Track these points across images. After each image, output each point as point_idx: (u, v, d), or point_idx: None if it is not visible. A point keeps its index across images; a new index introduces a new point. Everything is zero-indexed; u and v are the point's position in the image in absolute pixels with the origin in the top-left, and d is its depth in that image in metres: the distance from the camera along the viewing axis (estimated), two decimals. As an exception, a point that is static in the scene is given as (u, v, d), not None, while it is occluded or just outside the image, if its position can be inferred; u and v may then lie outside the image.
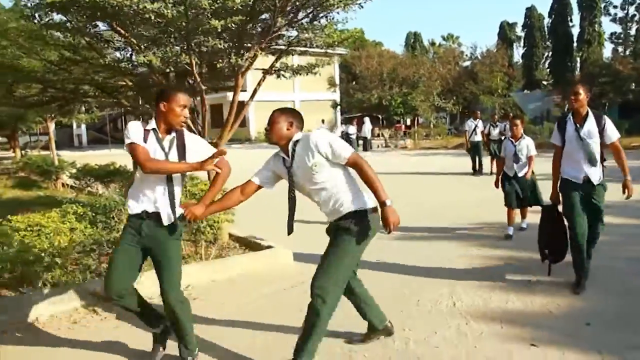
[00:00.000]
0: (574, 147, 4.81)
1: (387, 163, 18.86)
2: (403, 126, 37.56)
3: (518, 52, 55.50)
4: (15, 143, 21.14)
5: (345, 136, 23.59)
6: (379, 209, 3.28)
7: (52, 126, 15.95)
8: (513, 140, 7.09)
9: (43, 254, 4.61)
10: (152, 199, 3.30)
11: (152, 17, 4.29)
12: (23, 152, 21.44)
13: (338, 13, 5.89)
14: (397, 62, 34.79)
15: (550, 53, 48.40)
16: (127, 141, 3.21)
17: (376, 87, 33.23)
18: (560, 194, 4.99)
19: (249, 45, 5.32)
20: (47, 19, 5.16)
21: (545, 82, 49.47)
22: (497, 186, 7.21)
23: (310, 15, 5.49)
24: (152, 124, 3.33)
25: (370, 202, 3.39)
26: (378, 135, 33.62)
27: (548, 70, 50.13)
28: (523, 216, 7.39)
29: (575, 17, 45.50)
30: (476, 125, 14.44)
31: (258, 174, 3.51)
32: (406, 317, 4.39)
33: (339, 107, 39.17)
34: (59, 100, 6.82)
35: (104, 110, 16.67)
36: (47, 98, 6.73)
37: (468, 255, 6.31)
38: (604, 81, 32.38)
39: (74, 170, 12.76)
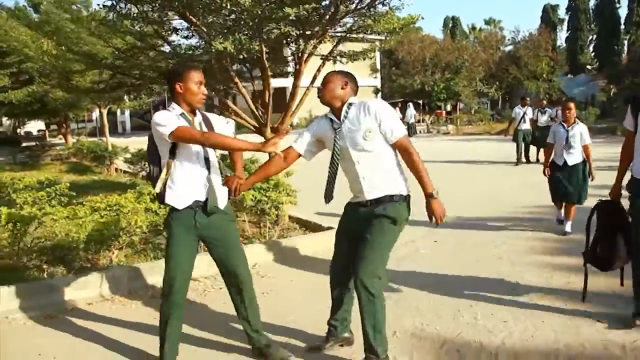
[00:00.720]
0: None
1: (431, 149, 18.83)
2: (444, 112, 37.22)
3: (561, 35, 54.11)
4: (67, 130, 21.86)
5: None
6: (425, 200, 3.10)
7: (104, 113, 16.46)
8: (565, 125, 6.39)
9: (121, 232, 4.89)
10: (200, 186, 3.12)
11: (228, 6, 4.46)
12: (75, 138, 22.20)
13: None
14: (439, 48, 34.37)
15: (596, 36, 47.02)
16: (167, 130, 2.97)
17: (418, 73, 33.00)
18: (629, 195, 3.78)
19: (313, 31, 5.44)
20: (125, 9, 5.41)
21: (589, 67, 48.14)
22: (545, 174, 6.58)
23: (369, 1, 5.58)
24: (177, 108, 3.13)
25: (407, 189, 3.21)
26: (419, 121, 33.46)
27: (593, 54, 48.75)
28: (567, 216, 6.42)
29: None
30: (525, 113, 13.53)
31: (299, 140, 3.31)
32: (470, 293, 4.51)
33: (379, 93, 39.06)
34: (127, 86, 7.13)
35: (151, 97, 17.04)
36: (116, 84, 7.03)
37: (523, 237, 6.36)
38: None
39: (128, 155, 13.20)
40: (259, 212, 6.12)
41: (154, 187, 3.21)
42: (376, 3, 5.62)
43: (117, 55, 6.49)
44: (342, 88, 3.16)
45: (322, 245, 6.07)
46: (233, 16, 4.77)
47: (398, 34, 6.62)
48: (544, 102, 14.56)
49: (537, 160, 13.48)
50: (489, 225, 7.06)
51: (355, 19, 5.77)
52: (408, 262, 5.48)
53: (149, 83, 6.72)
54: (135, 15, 5.45)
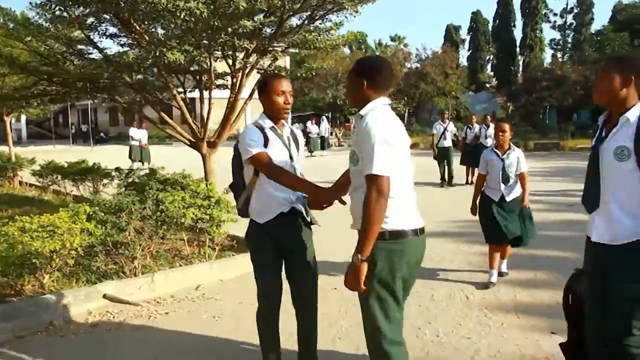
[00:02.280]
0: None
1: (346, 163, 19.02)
2: (352, 125, 37.97)
3: (463, 54, 57.30)
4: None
5: (305, 135, 23.64)
6: None
7: (8, 121, 15.19)
8: (499, 153, 5.23)
9: (55, 256, 4.47)
10: (287, 200, 3.05)
11: (182, 15, 4.22)
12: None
13: (338, 16, 5.96)
14: (351, 62, 35.08)
15: (494, 56, 50.25)
16: (247, 154, 2.93)
17: (331, 87, 33.48)
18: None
19: (263, 45, 5.29)
20: (57, 11, 4.96)
21: (488, 85, 51.30)
22: (473, 213, 5.44)
23: (318, 16, 5.53)
24: (267, 121, 3.06)
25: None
26: (331, 134, 33.92)
27: (492, 73, 52.03)
28: (502, 257, 5.46)
29: (518, 23, 47.46)
30: (445, 128, 12.30)
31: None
32: (426, 311, 4.54)
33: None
34: (52, 94, 6.55)
35: (56, 104, 15.96)
36: (40, 91, 6.45)
37: (462, 252, 6.53)
38: (545, 85, 33.96)
39: (36, 167, 12.23)
40: (198, 231, 5.84)
41: (236, 199, 3.25)
42: (323, 17, 5.58)
43: (42, 61, 5.96)
44: (360, 88, 2.59)
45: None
46: (184, 26, 4.52)
47: (338, 49, 6.60)
48: (474, 118, 13.47)
49: (467, 182, 12.42)
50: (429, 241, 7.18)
51: (302, 33, 5.70)
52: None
53: (76, 92, 6.24)
54: (70, 18, 5.02)
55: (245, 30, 4.51)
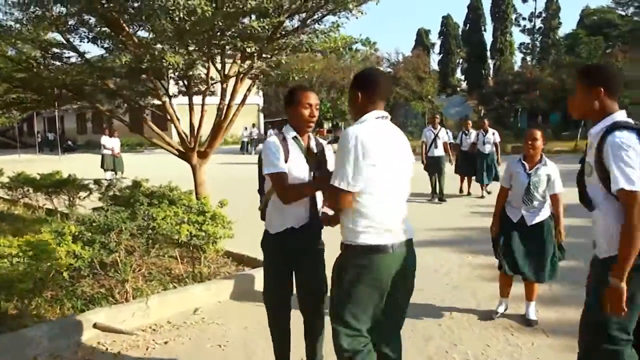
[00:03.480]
0: None
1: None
2: (325, 131, 37.71)
3: (433, 58, 57.63)
4: None
5: None
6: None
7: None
8: (526, 165, 4.31)
9: (40, 282, 4.00)
10: (298, 216, 3.05)
11: (181, 15, 3.80)
12: None
13: (339, 17, 5.62)
14: (325, 67, 34.83)
15: (464, 60, 50.68)
16: (267, 169, 2.93)
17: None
18: None
19: (262, 47, 4.90)
20: (36, 11, 4.47)
21: (458, 89, 51.70)
22: (493, 233, 4.50)
23: (319, 16, 5.17)
24: (292, 132, 3.05)
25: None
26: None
27: (463, 76, 52.47)
28: (529, 297, 4.47)
29: (489, 27, 47.96)
30: (436, 135, 10.63)
31: None
32: (448, 331, 4.22)
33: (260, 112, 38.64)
34: (27, 102, 6.00)
35: (25, 112, 15.17)
36: (12, 99, 5.90)
37: (468, 264, 6.25)
38: (517, 88, 34.32)
39: (4, 179, 11.51)
40: (191, 248, 5.41)
41: (260, 202, 3.26)
42: (322, 19, 5.22)
43: (14, 67, 5.44)
44: (353, 100, 2.63)
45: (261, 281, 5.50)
46: (182, 26, 4.10)
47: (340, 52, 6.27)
48: (469, 122, 12.11)
49: (462, 191, 11.66)
50: (423, 250, 6.89)
51: (299, 35, 5.33)
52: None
53: (53, 100, 5.73)
54: (50, 19, 4.53)
55: (251, 32, 4.11)
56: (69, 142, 40.14)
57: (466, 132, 11.58)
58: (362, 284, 2.50)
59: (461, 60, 52.54)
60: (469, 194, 11.46)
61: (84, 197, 8.44)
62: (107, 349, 3.99)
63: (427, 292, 5.18)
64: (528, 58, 48.39)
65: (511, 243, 4.32)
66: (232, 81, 5.98)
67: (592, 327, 2.49)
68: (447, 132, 11.32)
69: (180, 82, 6.79)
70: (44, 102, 5.99)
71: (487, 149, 10.84)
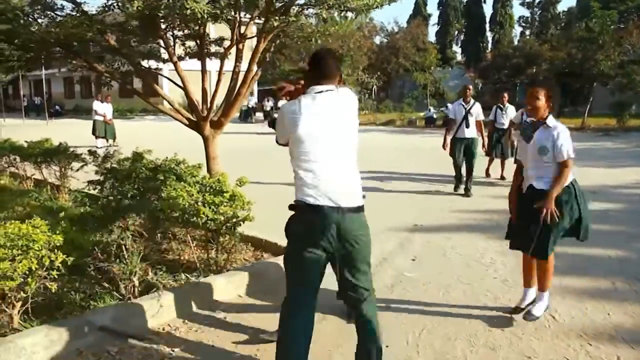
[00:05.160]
0: None
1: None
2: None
3: (429, 30, 56.48)
4: None
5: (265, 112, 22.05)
6: None
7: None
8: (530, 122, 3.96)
9: (30, 280, 3.29)
10: None
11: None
12: None
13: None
14: (320, 33, 33.68)
15: (464, 32, 49.71)
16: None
17: (303, 60, 32.05)
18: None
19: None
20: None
21: (455, 61, 50.80)
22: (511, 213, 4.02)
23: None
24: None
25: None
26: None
27: (460, 48, 51.55)
28: (525, 282, 4.07)
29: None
30: (468, 111, 8.56)
31: None
32: (516, 339, 3.60)
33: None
34: (11, 60, 5.16)
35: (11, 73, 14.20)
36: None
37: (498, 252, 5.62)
38: (516, 62, 33.60)
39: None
40: (208, 234, 4.73)
41: None
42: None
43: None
44: None
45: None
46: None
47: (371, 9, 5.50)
48: (505, 96, 10.17)
49: (489, 175, 10.21)
50: (457, 236, 6.25)
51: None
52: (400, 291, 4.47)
53: (44, 57, 4.91)
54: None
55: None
56: (57, 107, 38.92)
57: (501, 106, 9.96)
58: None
59: (457, 32, 51.54)
60: (502, 177, 9.83)
61: (78, 169, 7.66)
62: (114, 358, 3.32)
63: (477, 288, 4.56)
64: (527, 32, 47.56)
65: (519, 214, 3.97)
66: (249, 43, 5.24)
67: None
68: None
69: (188, 43, 6.03)
70: (32, 60, 5.17)
71: (505, 124, 9.77)
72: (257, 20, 4.95)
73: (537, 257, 3.81)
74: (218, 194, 4.64)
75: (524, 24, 48.14)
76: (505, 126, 9.79)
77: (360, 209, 2.73)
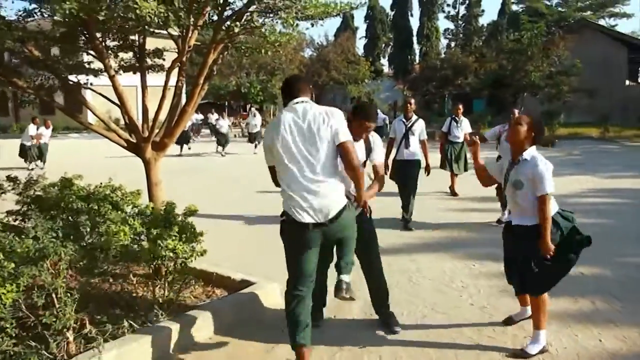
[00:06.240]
0: None
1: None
2: (247, 114, 36.21)
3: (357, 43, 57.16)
4: None
5: (215, 129, 20.43)
6: None
7: None
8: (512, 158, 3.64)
9: None
10: None
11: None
12: None
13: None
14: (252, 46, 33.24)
15: (391, 45, 50.66)
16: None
17: (234, 74, 31.44)
18: None
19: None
20: None
21: (384, 73, 51.64)
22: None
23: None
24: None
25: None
26: (234, 124, 31.80)
27: (388, 61, 52.47)
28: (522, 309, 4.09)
29: (415, 12, 48.16)
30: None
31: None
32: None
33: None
34: None
35: None
36: None
37: (475, 274, 5.33)
38: (444, 74, 34.51)
39: None
40: (153, 271, 4.12)
41: None
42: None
43: None
44: None
45: (249, 308, 4.30)
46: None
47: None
48: (460, 108, 9.76)
49: (455, 193, 9.66)
50: (420, 257, 5.92)
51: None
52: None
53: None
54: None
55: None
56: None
57: (456, 118, 9.63)
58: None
59: (384, 45, 52.43)
60: (454, 194, 9.57)
61: (-6, 198, 6.74)
62: None
63: (453, 317, 4.20)
64: (452, 44, 49.11)
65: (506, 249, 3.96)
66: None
67: None
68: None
69: (122, 55, 5.40)
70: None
71: (460, 137, 9.50)
72: (202, 31, 4.43)
73: (528, 293, 3.69)
74: (165, 227, 4.05)
75: (449, 36, 49.70)
76: (460, 139, 9.51)
77: (342, 211, 3.09)
